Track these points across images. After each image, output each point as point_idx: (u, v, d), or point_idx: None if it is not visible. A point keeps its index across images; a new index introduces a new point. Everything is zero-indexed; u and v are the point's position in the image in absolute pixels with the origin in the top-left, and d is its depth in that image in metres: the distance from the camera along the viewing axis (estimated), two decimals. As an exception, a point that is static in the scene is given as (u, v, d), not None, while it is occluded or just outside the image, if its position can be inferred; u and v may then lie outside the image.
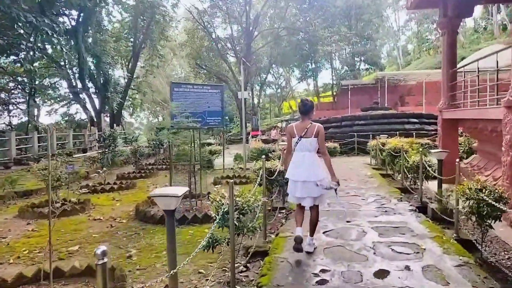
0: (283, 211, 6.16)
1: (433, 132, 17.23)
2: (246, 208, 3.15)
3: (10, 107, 23.35)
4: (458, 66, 8.43)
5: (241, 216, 3.18)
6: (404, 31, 61.31)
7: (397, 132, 14.98)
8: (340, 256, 3.75)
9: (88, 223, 5.99)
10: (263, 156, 4.54)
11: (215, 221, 2.93)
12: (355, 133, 16.83)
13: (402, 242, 4.12)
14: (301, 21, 37.09)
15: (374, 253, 3.81)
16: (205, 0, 34.00)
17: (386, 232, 4.51)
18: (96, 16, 22.47)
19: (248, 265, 3.83)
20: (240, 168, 12.24)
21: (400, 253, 3.80)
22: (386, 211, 5.54)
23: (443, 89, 8.08)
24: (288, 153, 4.02)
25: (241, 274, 3.57)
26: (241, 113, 33.62)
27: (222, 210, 2.96)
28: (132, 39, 28.69)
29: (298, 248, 3.61)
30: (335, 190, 3.77)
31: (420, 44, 57.53)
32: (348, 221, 5.03)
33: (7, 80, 21.90)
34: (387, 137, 11.84)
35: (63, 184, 6.62)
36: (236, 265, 3.32)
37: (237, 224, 3.02)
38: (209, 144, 13.50)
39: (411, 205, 5.91)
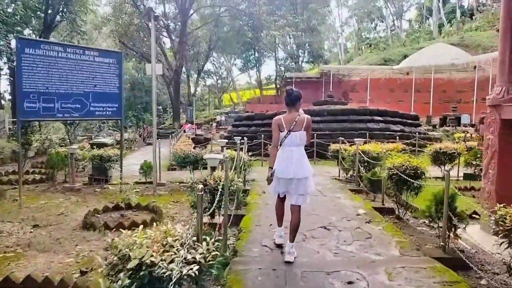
0: None
1: (399, 134, 14.35)
2: None
3: None
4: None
5: None
6: (344, 28, 61.45)
7: (367, 133, 11.62)
8: None
9: None
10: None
11: None
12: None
13: None
14: (245, 3, 33.26)
15: None
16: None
17: None
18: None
19: None
20: (149, 183, 7.91)
21: None
22: None
23: (501, 69, 4.44)
24: (274, 148, 3.65)
25: None
26: (170, 98, 28.65)
27: None
28: (44, 8, 22.22)
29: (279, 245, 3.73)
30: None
31: (359, 42, 57.76)
32: None
33: None
34: (366, 142, 8.26)
35: None
36: None
37: None
38: (103, 145, 8.93)
39: None
